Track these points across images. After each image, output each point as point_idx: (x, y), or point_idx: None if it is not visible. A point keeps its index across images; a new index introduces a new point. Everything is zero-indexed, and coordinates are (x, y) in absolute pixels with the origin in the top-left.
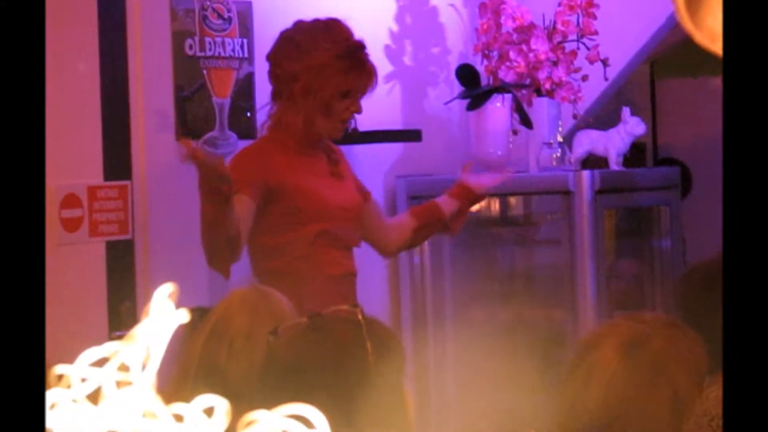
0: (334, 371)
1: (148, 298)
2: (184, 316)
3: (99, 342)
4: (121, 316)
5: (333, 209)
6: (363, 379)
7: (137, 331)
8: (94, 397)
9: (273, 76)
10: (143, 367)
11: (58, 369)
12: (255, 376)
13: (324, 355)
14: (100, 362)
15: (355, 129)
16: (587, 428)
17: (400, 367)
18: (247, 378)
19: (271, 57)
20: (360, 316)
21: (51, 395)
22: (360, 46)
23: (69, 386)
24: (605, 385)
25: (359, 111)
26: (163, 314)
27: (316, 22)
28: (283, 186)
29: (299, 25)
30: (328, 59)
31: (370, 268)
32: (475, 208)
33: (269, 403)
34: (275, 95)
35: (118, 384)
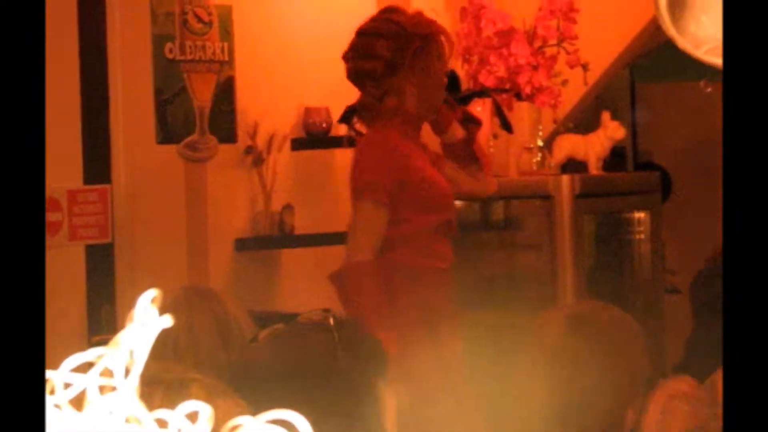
0: (304, 378)
1: (127, 302)
2: (168, 321)
3: (78, 346)
4: (101, 320)
5: (449, 198)
6: (333, 385)
7: (121, 336)
8: (77, 402)
9: (363, 72)
10: (127, 373)
11: None
12: (203, 366)
13: (294, 361)
14: (84, 367)
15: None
16: (548, 406)
17: (377, 371)
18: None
19: (355, 55)
20: (331, 321)
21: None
22: (421, 13)
23: (52, 391)
24: (558, 359)
25: (449, 69)
26: (147, 319)
27: (380, 14)
28: (408, 176)
29: (369, 23)
30: (413, 35)
31: None
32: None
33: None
34: (375, 90)
35: (102, 389)
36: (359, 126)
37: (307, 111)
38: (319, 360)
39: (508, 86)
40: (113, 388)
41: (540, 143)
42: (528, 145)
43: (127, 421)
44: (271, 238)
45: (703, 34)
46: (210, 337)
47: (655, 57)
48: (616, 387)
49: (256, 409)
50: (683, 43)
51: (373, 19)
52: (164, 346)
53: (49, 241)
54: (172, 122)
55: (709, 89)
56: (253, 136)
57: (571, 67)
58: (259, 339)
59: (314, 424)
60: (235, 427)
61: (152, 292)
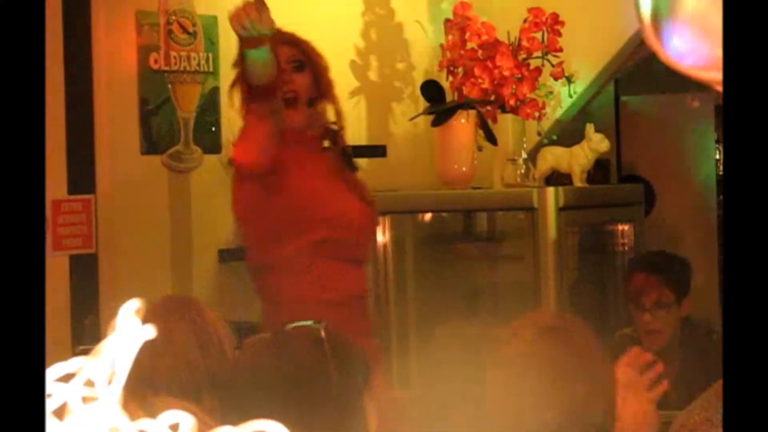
0: (294, 388)
1: (111, 312)
2: (150, 332)
3: (62, 356)
4: (85, 330)
5: (336, 215)
6: (323, 395)
7: (103, 346)
8: (59, 412)
9: None
10: (109, 383)
11: None
12: (180, 374)
13: (284, 371)
14: (66, 377)
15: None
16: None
17: (363, 383)
18: (173, 379)
19: None
20: (322, 333)
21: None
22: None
23: None
24: (528, 372)
25: (287, 78)
26: (130, 330)
27: None
28: (287, 176)
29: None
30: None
31: None
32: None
33: (233, 415)
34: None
35: (84, 400)
36: None
37: None
38: (309, 371)
39: (492, 98)
40: (95, 399)
41: (524, 155)
42: (512, 157)
43: (109, 431)
44: None
45: (686, 48)
46: (187, 343)
47: (639, 70)
48: (587, 397)
49: (241, 415)
50: (666, 56)
51: None
52: (140, 352)
53: None
54: (156, 133)
55: (695, 104)
56: None
57: (556, 79)
58: (244, 346)
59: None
60: None
61: (134, 302)
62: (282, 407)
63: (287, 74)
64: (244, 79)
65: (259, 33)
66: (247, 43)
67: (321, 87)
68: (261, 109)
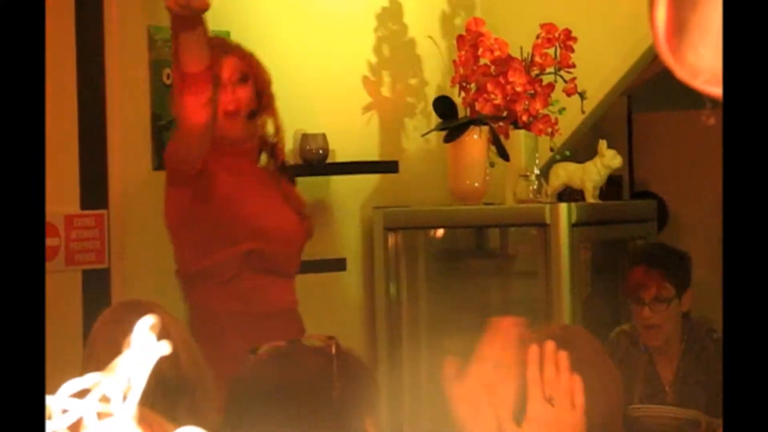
0: (297, 400)
1: None
2: (166, 348)
3: (76, 372)
4: None
5: (267, 227)
6: (324, 412)
7: (118, 362)
8: (75, 428)
9: None
10: (124, 399)
11: None
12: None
13: (290, 382)
14: (81, 393)
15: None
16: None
17: (368, 403)
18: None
19: None
20: (333, 350)
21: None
22: None
23: (49, 417)
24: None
25: (228, 97)
26: (145, 346)
27: None
28: (218, 185)
29: None
30: None
31: (346, 299)
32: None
33: (236, 417)
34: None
35: (99, 415)
36: None
37: (304, 137)
38: (314, 384)
39: (505, 114)
40: (110, 414)
41: (536, 171)
42: (524, 172)
43: None
44: None
45: (701, 65)
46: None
47: (652, 86)
48: (593, 409)
49: (243, 419)
50: (681, 72)
51: None
52: (87, 362)
53: (47, 265)
54: None
55: (711, 120)
56: None
57: (569, 95)
58: (259, 352)
59: None
60: None
61: (149, 318)
62: (282, 417)
63: (230, 86)
64: (176, 68)
65: (193, 11)
66: (181, 23)
67: (263, 100)
68: (195, 101)
